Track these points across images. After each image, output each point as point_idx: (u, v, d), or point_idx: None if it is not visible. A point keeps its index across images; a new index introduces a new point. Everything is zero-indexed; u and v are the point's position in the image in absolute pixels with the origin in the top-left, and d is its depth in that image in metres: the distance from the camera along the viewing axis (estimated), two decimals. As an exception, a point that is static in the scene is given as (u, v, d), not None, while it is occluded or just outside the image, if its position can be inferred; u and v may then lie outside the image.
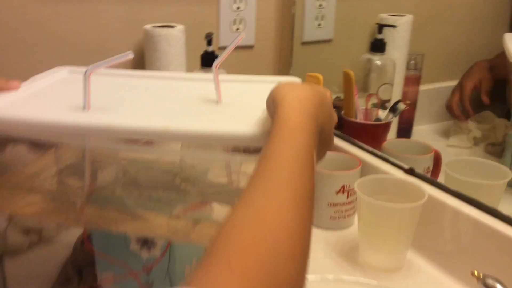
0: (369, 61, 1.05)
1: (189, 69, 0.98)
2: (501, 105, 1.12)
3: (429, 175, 0.87)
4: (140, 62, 0.96)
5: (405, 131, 1.14)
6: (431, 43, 1.17)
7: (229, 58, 0.59)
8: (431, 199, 0.71)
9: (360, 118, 0.99)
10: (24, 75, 0.67)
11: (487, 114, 1.11)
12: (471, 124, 1.10)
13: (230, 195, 0.61)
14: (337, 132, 0.95)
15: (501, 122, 1.08)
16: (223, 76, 0.62)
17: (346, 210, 0.82)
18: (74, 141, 0.59)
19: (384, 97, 1.04)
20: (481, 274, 0.59)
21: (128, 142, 0.58)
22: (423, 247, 0.75)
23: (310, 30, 1.13)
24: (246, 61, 1.09)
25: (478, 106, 1.12)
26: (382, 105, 1.03)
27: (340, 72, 1.00)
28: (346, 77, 0.97)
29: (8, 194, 0.62)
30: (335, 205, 0.81)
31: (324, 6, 1.12)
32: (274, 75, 1.14)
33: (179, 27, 0.94)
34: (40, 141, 0.62)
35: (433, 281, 0.71)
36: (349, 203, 0.82)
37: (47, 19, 0.91)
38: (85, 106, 0.56)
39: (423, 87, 1.14)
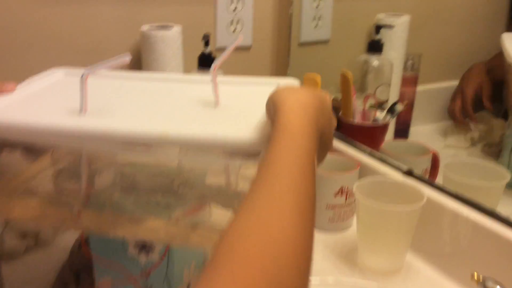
0: (367, 61, 1.05)
1: (186, 70, 0.97)
2: (498, 105, 1.12)
3: (427, 176, 0.86)
4: (137, 63, 0.95)
5: (402, 131, 1.14)
6: (428, 43, 1.17)
7: (226, 59, 0.58)
8: (430, 201, 0.70)
9: (358, 119, 0.99)
10: (20, 76, 0.67)
11: (484, 114, 1.11)
12: (471, 124, 1.10)
13: (229, 198, 0.61)
14: (335, 133, 0.95)
15: (498, 122, 1.08)
16: (221, 78, 0.61)
17: (344, 212, 0.82)
18: (70, 145, 0.58)
19: (381, 98, 1.04)
20: (481, 276, 0.59)
21: (125, 145, 0.58)
22: (422, 249, 0.74)
23: (307, 30, 1.12)
24: (243, 61, 1.08)
25: (475, 107, 1.12)
26: (379, 106, 1.03)
27: (337, 73, 1.00)
28: (344, 78, 0.97)
29: (5, 198, 0.62)
30: (334, 207, 0.81)
31: (321, 6, 1.12)
32: (271, 76, 1.14)
33: (176, 28, 0.93)
34: (36, 145, 0.62)
35: (432, 284, 0.71)
36: (348, 205, 0.81)
37: (43, 20, 0.90)
38: (82, 110, 0.55)
39: (420, 88, 1.14)
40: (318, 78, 0.76)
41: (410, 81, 1.13)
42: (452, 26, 1.19)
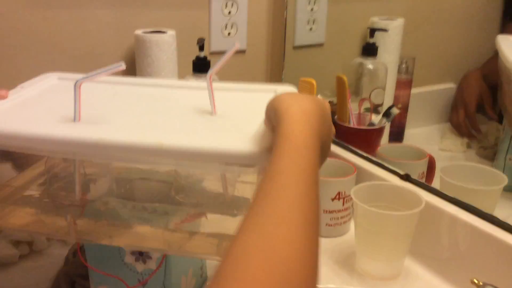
0: (361, 65, 1.05)
1: (181, 74, 0.97)
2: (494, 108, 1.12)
3: (423, 180, 0.86)
4: (131, 67, 0.94)
5: (397, 134, 1.14)
6: (422, 46, 1.17)
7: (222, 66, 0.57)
8: (427, 205, 0.70)
9: (353, 123, 0.99)
10: (12, 81, 0.66)
11: (479, 117, 1.11)
12: (477, 135, 1.11)
13: (227, 205, 0.60)
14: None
15: (493, 125, 1.08)
16: (217, 84, 0.60)
17: (342, 217, 0.81)
18: (64, 153, 0.57)
19: (376, 101, 1.04)
20: (481, 282, 0.59)
21: (120, 155, 0.56)
22: (420, 254, 0.74)
23: (302, 34, 1.12)
24: (237, 65, 1.08)
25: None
26: (375, 109, 1.02)
27: (332, 76, 0.99)
28: (339, 82, 0.96)
29: (-1, 207, 0.61)
30: (331, 212, 0.80)
31: (315, 10, 1.11)
32: (266, 79, 1.13)
33: (170, 33, 0.92)
34: (29, 153, 0.61)
35: (431, 288, 0.71)
36: (345, 209, 0.81)
37: (36, 24, 0.89)
38: (76, 118, 0.54)
39: (414, 91, 1.14)
40: (314, 82, 0.76)
41: (404, 84, 1.13)
42: (445, 29, 1.19)
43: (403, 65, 1.11)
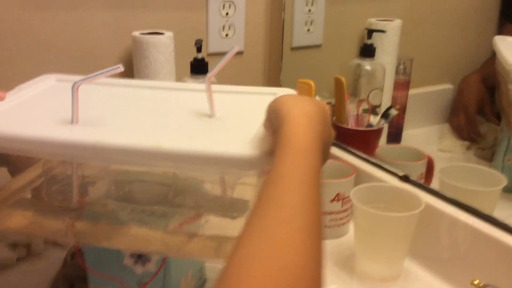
0: (359, 66, 1.05)
1: (179, 76, 0.96)
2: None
3: (422, 181, 0.86)
4: (129, 69, 0.94)
5: (395, 135, 1.14)
6: (420, 47, 1.17)
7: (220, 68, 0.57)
8: (427, 206, 0.70)
9: (351, 124, 0.99)
10: (9, 82, 0.65)
11: (477, 118, 1.11)
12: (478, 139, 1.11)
13: (226, 208, 0.60)
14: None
15: (491, 126, 1.08)
16: (216, 87, 0.60)
17: (341, 218, 0.81)
18: (62, 156, 0.57)
19: (374, 102, 1.04)
20: (481, 284, 0.58)
21: (118, 157, 0.56)
22: (420, 255, 0.74)
23: (299, 35, 1.12)
24: (235, 67, 1.08)
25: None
26: (373, 110, 1.02)
27: (329, 77, 0.99)
28: (338, 83, 0.96)
29: (-4, 209, 0.60)
30: (330, 213, 0.80)
31: (313, 11, 1.11)
32: (264, 80, 1.13)
33: (168, 34, 0.92)
34: (25, 157, 0.61)
35: (431, 290, 0.71)
36: (344, 211, 0.81)
37: (33, 25, 0.88)
38: (74, 120, 0.54)
39: (412, 91, 1.14)
40: (312, 83, 0.76)
41: (402, 85, 1.13)
42: (443, 30, 1.19)
43: (401, 66, 1.11)
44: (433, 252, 0.73)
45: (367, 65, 1.04)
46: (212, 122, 0.57)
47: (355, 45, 1.08)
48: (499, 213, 0.70)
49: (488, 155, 1.04)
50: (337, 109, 0.98)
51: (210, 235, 0.59)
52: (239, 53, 1.08)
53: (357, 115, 1.00)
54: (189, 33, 0.99)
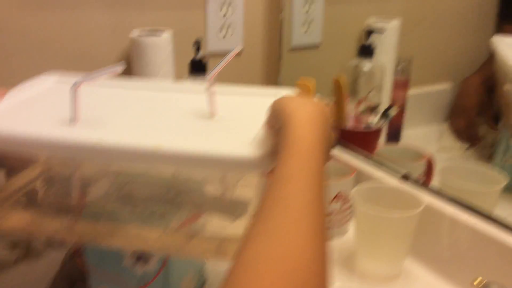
0: (358, 66, 1.05)
1: (177, 75, 0.96)
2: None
3: (422, 181, 0.86)
4: (127, 68, 0.94)
5: (394, 135, 1.13)
6: (419, 47, 1.17)
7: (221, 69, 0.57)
8: (427, 206, 0.70)
9: (351, 124, 0.99)
10: (8, 82, 0.65)
11: (477, 120, 1.11)
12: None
13: (226, 208, 0.60)
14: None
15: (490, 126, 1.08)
16: (216, 88, 0.60)
17: (341, 218, 0.81)
18: (62, 156, 0.57)
19: (373, 102, 1.04)
20: (481, 284, 0.58)
21: (117, 158, 0.56)
22: (420, 254, 0.74)
23: (298, 35, 1.12)
24: (234, 67, 1.07)
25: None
26: (372, 110, 1.02)
27: (328, 77, 0.99)
28: (337, 83, 0.96)
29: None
30: (330, 213, 0.80)
31: (311, 11, 1.11)
32: (263, 81, 1.13)
33: (167, 34, 0.92)
34: (24, 157, 0.60)
35: (431, 289, 0.71)
36: (344, 210, 0.81)
37: (32, 25, 0.88)
38: (73, 120, 0.54)
39: (411, 91, 1.14)
40: (312, 83, 0.75)
41: (401, 84, 1.13)
42: (442, 30, 1.19)
43: (400, 66, 1.11)
44: (433, 251, 0.73)
45: (366, 65, 1.04)
46: (213, 123, 0.57)
47: (354, 45, 1.08)
48: (499, 213, 0.70)
49: (487, 154, 1.04)
50: (337, 109, 0.98)
51: (210, 235, 0.58)
52: (238, 53, 1.08)
53: (356, 115, 1.00)
54: (187, 32, 0.99)
